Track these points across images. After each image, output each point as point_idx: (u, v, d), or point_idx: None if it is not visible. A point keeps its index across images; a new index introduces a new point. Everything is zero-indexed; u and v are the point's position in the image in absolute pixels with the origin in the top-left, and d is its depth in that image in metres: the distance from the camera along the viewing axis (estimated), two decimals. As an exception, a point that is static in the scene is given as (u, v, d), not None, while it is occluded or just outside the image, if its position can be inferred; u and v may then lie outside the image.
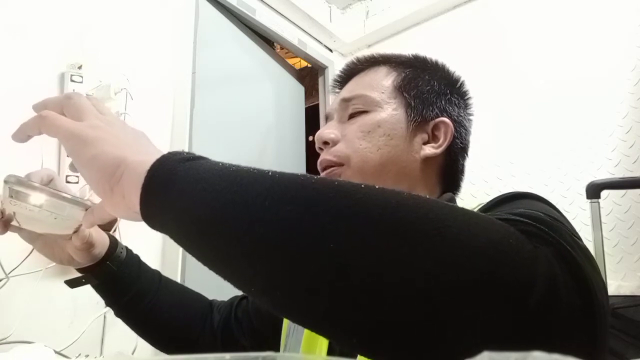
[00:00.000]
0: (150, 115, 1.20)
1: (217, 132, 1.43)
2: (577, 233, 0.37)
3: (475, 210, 0.49)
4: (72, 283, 0.60)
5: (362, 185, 0.29)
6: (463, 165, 0.66)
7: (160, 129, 1.24)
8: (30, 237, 0.55)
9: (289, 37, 1.79)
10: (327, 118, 0.68)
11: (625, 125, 1.33)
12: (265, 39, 1.78)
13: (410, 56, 0.67)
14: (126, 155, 0.34)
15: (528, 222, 0.30)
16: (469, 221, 0.28)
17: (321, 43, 2.01)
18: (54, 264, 0.87)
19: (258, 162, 1.63)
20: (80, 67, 1.03)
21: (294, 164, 1.84)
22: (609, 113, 1.36)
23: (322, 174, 0.63)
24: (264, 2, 1.68)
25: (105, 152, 0.35)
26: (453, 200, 0.64)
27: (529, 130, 1.50)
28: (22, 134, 0.42)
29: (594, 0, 1.45)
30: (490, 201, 0.46)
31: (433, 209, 0.28)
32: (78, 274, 0.60)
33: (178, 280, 1.15)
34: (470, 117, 0.67)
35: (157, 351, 0.70)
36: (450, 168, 0.64)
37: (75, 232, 0.53)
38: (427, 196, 0.62)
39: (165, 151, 0.35)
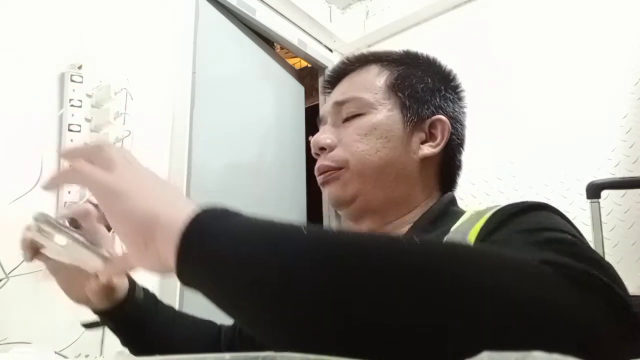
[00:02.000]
0: (150, 115, 1.20)
1: (217, 133, 1.43)
2: (585, 240, 0.38)
3: (489, 215, 0.48)
4: (89, 326, 0.60)
5: (404, 241, 0.29)
6: (460, 161, 0.66)
7: (160, 129, 1.24)
8: (54, 268, 0.56)
9: (289, 37, 1.79)
10: (321, 121, 0.67)
11: (625, 125, 1.33)
12: (265, 39, 1.78)
13: (402, 53, 0.66)
14: (158, 210, 0.34)
15: (574, 267, 0.29)
16: (512, 274, 0.27)
17: (321, 43, 2.01)
18: (54, 264, 0.87)
19: (258, 162, 1.63)
20: (80, 67, 1.03)
21: (294, 164, 1.84)
22: (609, 113, 1.36)
23: (320, 178, 0.62)
24: (264, 2, 1.68)
25: (137, 206, 0.34)
26: (454, 201, 0.64)
27: (529, 130, 1.50)
28: (53, 183, 0.43)
29: (595, 0, 1.45)
30: (505, 211, 0.46)
31: (480, 266, 0.27)
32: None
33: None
34: (465, 110, 0.66)
35: (157, 351, 0.69)
36: (448, 165, 0.64)
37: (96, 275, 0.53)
38: (437, 200, 0.61)
39: (192, 201, 0.35)
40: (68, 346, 0.87)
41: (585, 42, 1.44)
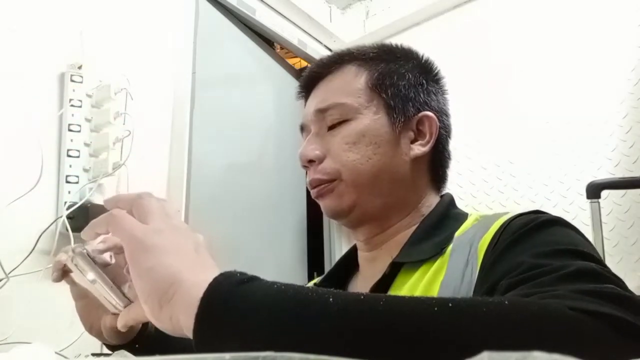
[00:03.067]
0: (150, 115, 1.20)
1: (217, 132, 1.43)
2: (601, 258, 0.38)
3: (499, 225, 0.48)
4: (98, 355, 0.61)
5: (435, 308, 0.28)
6: (449, 152, 0.65)
7: (160, 129, 1.24)
8: (78, 295, 0.56)
9: (289, 37, 1.79)
10: (303, 130, 0.65)
11: (625, 125, 1.33)
12: (265, 39, 1.78)
13: (377, 48, 0.64)
14: (182, 272, 0.34)
15: (620, 318, 0.29)
16: (550, 330, 0.27)
17: (321, 43, 2.01)
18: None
19: (258, 162, 1.63)
20: (80, 67, 1.03)
21: (293, 164, 1.83)
22: (609, 113, 1.36)
23: (314, 191, 0.61)
24: (264, 2, 1.68)
25: (162, 264, 0.34)
26: (454, 202, 0.64)
27: (529, 130, 1.50)
28: (92, 231, 0.43)
29: (595, 1, 1.45)
30: (518, 225, 0.45)
31: (515, 324, 0.28)
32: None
33: None
34: (447, 97, 0.65)
35: (157, 351, 0.69)
36: (439, 160, 0.63)
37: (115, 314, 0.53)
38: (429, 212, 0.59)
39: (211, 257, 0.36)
40: (68, 346, 0.87)
41: (585, 42, 1.44)
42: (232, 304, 0.30)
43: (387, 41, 0.67)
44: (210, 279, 0.32)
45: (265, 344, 0.28)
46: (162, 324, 0.34)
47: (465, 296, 0.45)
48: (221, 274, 0.33)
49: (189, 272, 0.34)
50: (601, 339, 0.27)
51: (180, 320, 0.32)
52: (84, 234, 0.43)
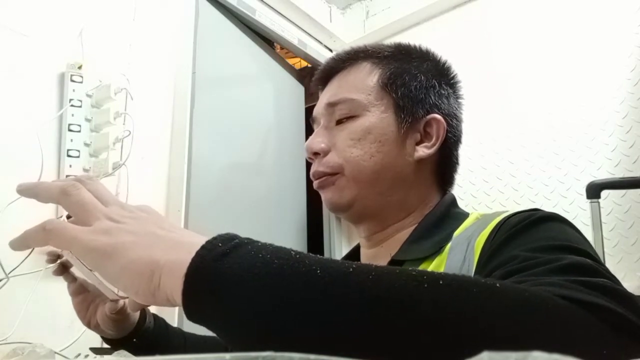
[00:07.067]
0: (150, 115, 1.20)
1: (217, 132, 1.43)
2: (598, 256, 0.38)
3: (497, 222, 0.48)
4: (97, 350, 0.61)
5: (425, 285, 0.27)
6: (457, 157, 0.65)
7: (160, 129, 1.24)
8: (75, 291, 0.56)
9: (289, 37, 1.79)
10: (314, 121, 0.66)
11: (625, 125, 1.33)
12: (265, 39, 1.78)
13: (393, 48, 0.64)
14: (156, 255, 0.31)
15: (609, 310, 0.29)
16: (540, 316, 0.27)
17: (321, 43, 2.01)
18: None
19: (258, 162, 1.63)
20: (80, 67, 1.03)
21: (294, 164, 1.84)
22: (609, 113, 1.36)
23: (316, 182, 0.62)
24: (264, 2, 1.68)
25: (133, 259, 0.32)
26: (455, 202, 0.64)
27: (529, 130, 1.50)
28: (23, 246, 0.38)
29: (595, 1, 1.45)
30: (515, 221, 0.45)
31: (506, 307, 0.27)
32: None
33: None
34: (461, 101, 0.65)
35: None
36: (445, 164, 0.63)
37: (115, 300, 0.53)
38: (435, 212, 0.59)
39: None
40: (68, 346, 0.87)
41: (585, 42, 1.44)
42: (213, 282, 0.29)
43: (387, 41, 0.67)
44: (189, 252, 0.30)
45: (247, 321, 0.28)
46: (163, 304, 0.33)
47: None
48: (202, 247, 0.31)
49: (163, 253, 0.31)
50: (590, 331, 0.27)
51: (177, 300, 0.31)
52: (13, 244, 0.38)
